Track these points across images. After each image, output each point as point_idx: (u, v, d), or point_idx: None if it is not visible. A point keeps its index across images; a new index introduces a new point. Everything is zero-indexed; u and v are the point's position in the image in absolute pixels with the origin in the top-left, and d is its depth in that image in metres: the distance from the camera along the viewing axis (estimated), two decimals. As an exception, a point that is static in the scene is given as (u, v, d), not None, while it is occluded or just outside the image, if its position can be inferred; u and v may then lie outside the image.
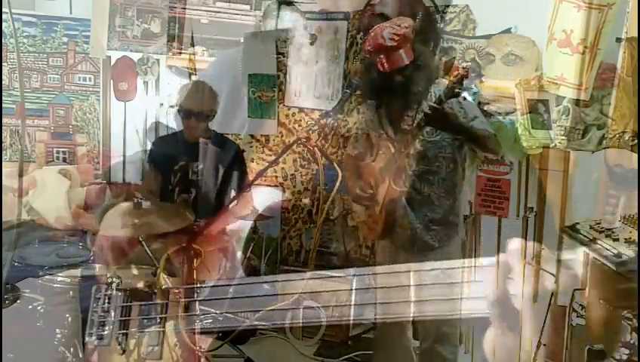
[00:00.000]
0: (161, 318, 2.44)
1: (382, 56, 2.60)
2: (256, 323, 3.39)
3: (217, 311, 2.74)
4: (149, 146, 4.07)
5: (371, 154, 2.83)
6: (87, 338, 2.25)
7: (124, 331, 2.35)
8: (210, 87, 3.47)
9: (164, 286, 2.50)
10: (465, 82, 2.46)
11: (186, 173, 3.35)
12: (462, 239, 2.82)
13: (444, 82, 2.68)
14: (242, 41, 3.88)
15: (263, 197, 3.80)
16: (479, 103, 3.18)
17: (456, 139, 2.67)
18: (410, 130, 2.59)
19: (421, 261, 2.73)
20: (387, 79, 2.64)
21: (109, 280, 2.48)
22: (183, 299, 2.52)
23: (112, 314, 2.35)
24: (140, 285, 2.58)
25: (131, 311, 2.40)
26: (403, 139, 2.62)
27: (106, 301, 2.35)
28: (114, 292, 2.36)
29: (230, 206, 3.23)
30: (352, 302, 3.53)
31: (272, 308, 3.31)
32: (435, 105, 2.45)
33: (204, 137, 3.40)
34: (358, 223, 3.00)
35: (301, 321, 3.46)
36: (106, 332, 2.27)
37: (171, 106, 3.97)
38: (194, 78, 3.96)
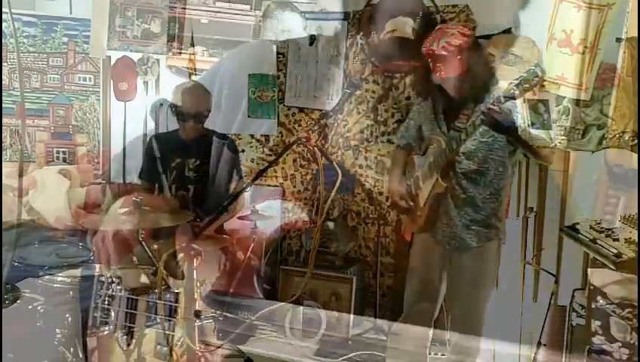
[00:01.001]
0: (167, 318, 2.44)
1: (434, 62, 2.60)
2: (257, 323, 3.40)
3: (217, 312, 2.75)
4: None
5: (420, 148, 2.82)
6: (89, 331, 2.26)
7: (129, 326, 2.35)
8: (204, 87, 3.46)
9: (164, 287, 2.50)
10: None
11: (183, 170, 3.36)
12: (500, 242, 2.80)
13: (504, 85, 2.63)
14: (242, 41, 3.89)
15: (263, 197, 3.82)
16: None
17: (510, 143, 2.64)
18: (464, 128, 2.56)
19: (457, 258, 2.74)
20: (442, 82, 2.64)
21: (109, 280, 2.48)
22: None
23: (115, 311, 2.36)
24: (139, 285, 2.58)
25: (135, 309, 2.41)
26: (455, 137, 2.59)
27: (108, 298, 2.36)
28: (116, 290, 2.36)
29: (227, 205, 3.23)
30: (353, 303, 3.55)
31: (272, 307, 3.32)
32: (492, 106, 2.42)
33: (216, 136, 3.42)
34: (400, 216, 2.96)
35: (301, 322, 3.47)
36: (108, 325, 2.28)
37: (161, 104, 3.98)
38: (193, 77, 3.96)
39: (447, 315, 2.91)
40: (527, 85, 2.40)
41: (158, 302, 2.45)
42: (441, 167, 2.64)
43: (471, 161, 2.65)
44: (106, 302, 2.37)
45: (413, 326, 2.82)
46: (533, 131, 2.62)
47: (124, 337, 2.40)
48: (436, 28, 2.73)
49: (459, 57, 2.56)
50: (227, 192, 3.37)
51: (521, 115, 2.63)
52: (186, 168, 3.37)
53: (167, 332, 2.48)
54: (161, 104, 4.03)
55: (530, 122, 2.61)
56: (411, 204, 2.81)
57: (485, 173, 2.65)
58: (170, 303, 2.43)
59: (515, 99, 2.47)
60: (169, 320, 2.48)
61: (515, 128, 2.54)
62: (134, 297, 2.39)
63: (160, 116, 4.00)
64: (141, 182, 3.55)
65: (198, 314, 2.48)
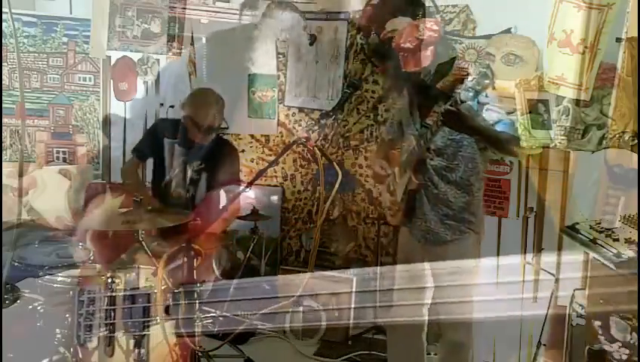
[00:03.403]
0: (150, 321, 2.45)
1: (404, 55, 2.63)
2: (257, 323, 3.40)
3: (217, 312, 2.75)
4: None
5: (401, 141, 2.85)
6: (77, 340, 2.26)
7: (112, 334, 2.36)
8: (216, 94, 3.30)
9: (163, 287, 2.50)
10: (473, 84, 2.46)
11: (185, 170, 3.33)
12: (479, 236, 2.83)
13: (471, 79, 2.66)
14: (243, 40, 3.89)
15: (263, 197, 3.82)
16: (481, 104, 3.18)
17: (478, 141, 2.68)
18: (432, 126, 2.58)
19: (435, 253, 2.78)
20: (410, 76, 2.67)
21: (109, 280, 2.48)
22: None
23: (100, 316, 2.36)
24: (139, 285, 2.58)
25: (126, 312, 2.41)
26: (424, 133, 2.62)
27: (92, 303, 2.36)
28: (106, 293, 2.37)
29: (226, 205, 3.22)
30: (353, 303, 3.54)
31: (272, 308, 3.32)
32: (450, 107, 2.45)
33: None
34: (384, 208, 3.02)
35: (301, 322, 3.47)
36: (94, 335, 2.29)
37: (171, 106, 3.97)
38: (193, 77, 3.96)
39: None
40: (479, 87, 2.45)
41: (158, 302, 2.46)
42: (413, 164, 2.69)
43: (441, 158, 2.69)
44: (88, 319, 2.38)
45: (405, 316, 2.86)
46: (500, 127, 2.65)
47: (107, 348, 2.41)
48: (408, 23, 2.77)
49: (426, 50, 2.59)
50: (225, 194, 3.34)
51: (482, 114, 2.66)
52: (190, 170, 3.33)
53: (167, 332, 2.48)
54: (162, 104, 4.03)
55: (498, 118, 2.64)
56: (389, 172, 2.85)
57: (456, 169, 2.69)
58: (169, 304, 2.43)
59: (471, 100, 2.52)
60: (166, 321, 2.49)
61: (475, 128, 2.57)
62: (113, 307, 2.39)
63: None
64: (132, 155, 3.47)
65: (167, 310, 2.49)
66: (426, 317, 2.90)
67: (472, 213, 2.76)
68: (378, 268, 3.66)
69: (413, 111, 2.77)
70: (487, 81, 2.46)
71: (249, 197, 3.44)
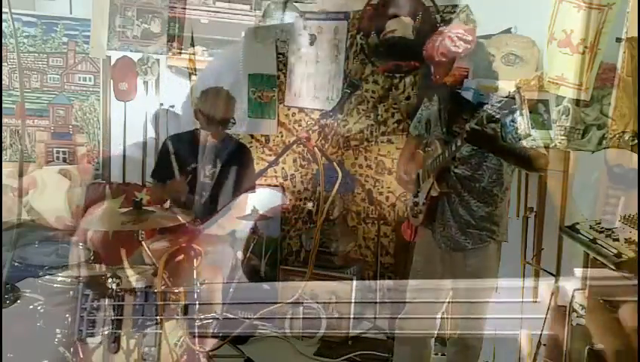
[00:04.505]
0: (158, 319, 2.44)
1: (434, 66, 2.61)
2: (256, 323, 3.40)
3: (217, 312, 2.75)
4: (148, 147, 4.07)
5: (427, 144, 2.82)
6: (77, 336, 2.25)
7: (118, 331, 2.34)
8: (229, 93, 3.39)
9: (163, 287, 2.50)
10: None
11: (198, 175, 3.33)
12: (500, 243, 2.79)
13: (499, 100, 2.56)
14: (242, 40, 3.89)
15: (263, 197, 3.81)
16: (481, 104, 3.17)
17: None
18: (459, 134, 2.53)
19: (455, 259, 2.76)
20: (441, 86, 2.64)
21: (109, 281, 2.48)
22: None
23: (105, 313, 2.35)
24: (139, 285, 2.58)
25: (126, 311, 2.40)
26: (451, 141, 2.58)
27: (93, 310, 2.35)
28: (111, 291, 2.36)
29: (229, 206, 3.22)
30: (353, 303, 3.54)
31: (272, 307, 3.31)
32: (475, 126, 2.39)
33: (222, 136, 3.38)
34: (408, 207, 3.00)
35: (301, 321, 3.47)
36: (96, 331, 2.28)
37: (171, 106, 3.97)
38: (193, 77, 3.96)
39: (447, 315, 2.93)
40: (505, 111, 2.34)
41: (154, 303, 2.45)
42: (437, 170, 2.66)
43: (465, 166, 2.66)
44: (92, 314, 2.37)
45: (417, 320, 2.84)
46: (529, 142, 2.59)
47: (112, 345, 2.40)
48: (438, 30, 2.72)
49: (458, 63, 2.55)
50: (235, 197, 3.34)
51: (511, 130, 2.53)
52: (202, 174, 3.33)
53: (167, 332, 2.48)
54: (161, 104, 4.02)
55: (525, 134, 2.56)
56: (413, 177, 2.83)
57: (479, 180, 2.66)
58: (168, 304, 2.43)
59: (496, 123, 2.40)
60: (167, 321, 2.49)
61: (498, 146, 2.49)
62: (122, 303, 2.38)
63: (160, 121, 4.00)
64: (152, 180, 3.54)
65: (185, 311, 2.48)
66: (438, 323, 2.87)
67: (494, 223, 2.71)
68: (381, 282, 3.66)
69: (442, 115, 2.73)
70: (514, 107, 2.35)
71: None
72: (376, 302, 3.71)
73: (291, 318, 3.49)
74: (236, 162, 3.34)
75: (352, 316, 3.53)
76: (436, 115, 2.78)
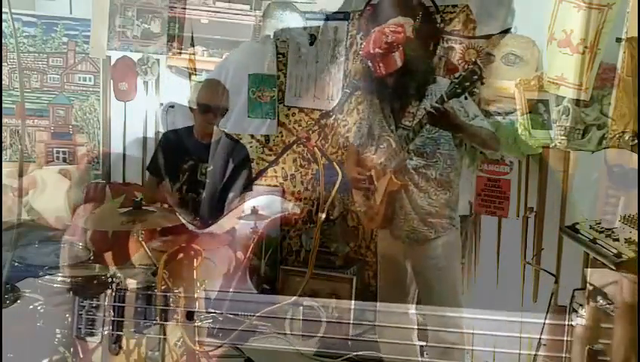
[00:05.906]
0: (160, 320, 2.44)
1: (376, 60, 2.67)
2: (257, 323, 3.40)
3: (218, 312, 2.75)
4: (148, 147, 4.07)
5: (373, 147, 2.88)
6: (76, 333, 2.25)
7: (118, 332, 2.35)
8: (222, 84, 3.51)
9: (163, 287, 2.50)
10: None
11: (195, 172, 3.34)
12: (459, 230, 2.88)
13: (444, 82, 2.72)
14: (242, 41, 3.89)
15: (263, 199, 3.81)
16: (479, 103, 3.18)
17: (455, 137, 2.74)
18: (411, 127, 2.66)
19: (419, 251, 2.82)
20: (383, 80, 2.72)
21: (109, 280, 2.48)
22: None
23: (106, 313, 2.35)
24: (139, 285, 2.58)
25: (128, 312, 2.41)
26: (404, 135, 2.68)
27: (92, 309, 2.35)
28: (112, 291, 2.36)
29: (231, 207, 3.23)
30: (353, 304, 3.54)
31: (272, 307, 3.31)
32: (438, 105, 2.50)
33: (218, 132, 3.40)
34: (359, 213, 3.08)
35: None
36: (95, 330, 2.28)
37: (171, 106, 3.97)
38: (193, 77, 3.96)
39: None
40: (467, 83, 2.46)
41: (156, 305, 2.46)
42: (394, 165, 2.73)
43: (420, 157, 2.73)
44: (91, 313, 2.37)
45: (393, 317, 2.88)
46: (476, 123, 2.68)
47: (113, 345, 2.40)
48: (373, 30, 2.79)
49: (394, 54, 2.63)
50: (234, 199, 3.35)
51: (464, 109, 2.68)
52: (199, 172, 3.34)
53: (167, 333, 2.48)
54: (172, 106, 4.02)
55: (473, 115, 2.68)
56: (371, 185, 2.89)
57: (435, 167, 2.74)
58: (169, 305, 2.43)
59: (458, 97, 2.53)
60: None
61: (460, 123, 2.62)
62: (123, 304, 2.38)
63: (167, 120, 4.00)
64: (148, 174, 3.54)
65: (190, 316, 2.49)
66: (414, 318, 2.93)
67: (452, 209, 2.81)
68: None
69: (386, 114, 2.81)
70: (475, 77, 2.47)
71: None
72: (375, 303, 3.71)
73: (291, 318, 3.49)
74: (233, 160, 3.34)
75: (352, 316, 3.53)
76: (379, 115, 2.84)
